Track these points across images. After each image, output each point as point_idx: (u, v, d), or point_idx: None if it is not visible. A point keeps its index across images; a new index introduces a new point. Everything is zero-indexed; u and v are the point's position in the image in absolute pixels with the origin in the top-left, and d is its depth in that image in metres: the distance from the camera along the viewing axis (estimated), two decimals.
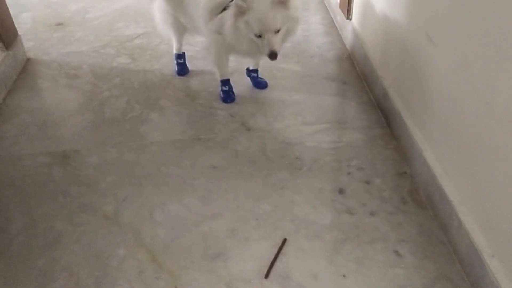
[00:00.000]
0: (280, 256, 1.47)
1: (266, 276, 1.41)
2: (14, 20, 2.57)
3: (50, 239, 1.56)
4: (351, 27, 2.54)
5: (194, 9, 2.06)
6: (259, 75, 2.36)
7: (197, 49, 2.66)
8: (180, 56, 2.46)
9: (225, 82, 2.23)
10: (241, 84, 2.33)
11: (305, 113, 2.13)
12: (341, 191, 1.70)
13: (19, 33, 2.62)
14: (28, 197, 1.74)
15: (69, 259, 1.49)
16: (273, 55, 1.81)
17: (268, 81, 2.35)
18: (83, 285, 1.41)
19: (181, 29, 2.34)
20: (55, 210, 1.67)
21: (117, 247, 1.53)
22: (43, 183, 1.80)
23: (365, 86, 2.29)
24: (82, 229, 1.60)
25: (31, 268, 1.47)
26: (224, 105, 2.21)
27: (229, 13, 1.87)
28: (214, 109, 2.19)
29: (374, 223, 1.57)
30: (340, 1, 2.74)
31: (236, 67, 2.40)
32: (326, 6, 3.15)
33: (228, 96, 2.24)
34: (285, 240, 1.52)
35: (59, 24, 3.08)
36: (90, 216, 1.65)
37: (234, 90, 2.26)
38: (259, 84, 2.34)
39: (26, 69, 2.58)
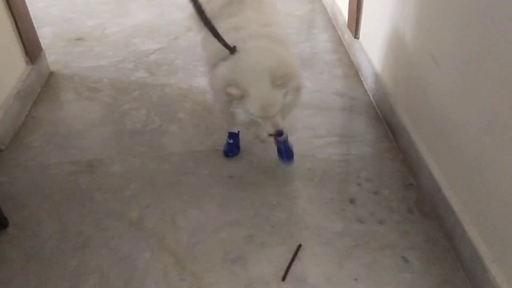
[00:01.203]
0: (295, 261, 1.57)
1: (283, 279, 1.51)
2: None
3: (80, 243, 1.67)
4: (359, 45, 2.66)
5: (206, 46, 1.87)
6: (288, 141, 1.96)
7: None
8: None
9: (232, 135, 2.03)
10: None
11: (316, 127, 2.24)
12: (351, 201, 1.81)
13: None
14: (57, 203, 1.85)
15: (98, 261, 1.60)
16: (280, 134, 1.62)
17: None
18: (113, 286, 1.51)
19: None
20: (83, 215, 1.79)
21: (143, 251, 1.63)
22: (70, 190, 1.91)
23: (373, 101, 2.41)
24: (109, 233, 1.71)
25: (64, 269, 1.58)
26: None
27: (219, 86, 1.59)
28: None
29: (383, 231, 1.68)
30: (348, 20, 2.88)
31: None
32: (334, 24, 3.28)
33: (230, 149, 2.04)
34: (299, 245, 1.62)
35: (79, 39, 3.23)
36: (116, 221, 1.76)
37: (241, 143, 2.06)
38: (284, 153, 1.96)
39: (49, 82, 2.71)
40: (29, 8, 2.62)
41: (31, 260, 1.61)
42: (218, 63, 1.63)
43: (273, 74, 1.51)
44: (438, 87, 1.69)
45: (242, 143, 2.12)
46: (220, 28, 1.63)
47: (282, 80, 1.53)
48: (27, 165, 2.06)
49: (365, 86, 2.56)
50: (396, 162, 2.01)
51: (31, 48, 2.55)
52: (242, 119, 1.62)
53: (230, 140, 2.05)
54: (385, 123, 2.25)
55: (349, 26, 2.85)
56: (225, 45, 1.59)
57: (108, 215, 1.79)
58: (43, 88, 2.64)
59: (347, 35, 2.93)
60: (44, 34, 3.26)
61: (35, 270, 1.58)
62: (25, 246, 1.66)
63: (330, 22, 3.34)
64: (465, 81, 1.48)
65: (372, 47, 2.49)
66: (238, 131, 2.05)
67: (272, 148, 2.12)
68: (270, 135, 1.65)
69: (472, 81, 1.43)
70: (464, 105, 1.50)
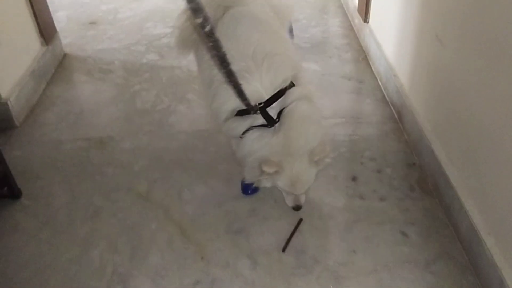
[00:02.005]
0: (296, 234, 1.62)
1: (284, 250, 1.56)
2: None
3: (90, 212, 1.74)
4: (368, 29, 2.68)
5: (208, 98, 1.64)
6: None
7: None
8: None
9: None
10: None
11: (323, 108, 2.26)
12: (354, 179, 1.85)
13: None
14: (69, 176, 1.92)
15: (107, 229, 1.66)
16: (297, 209, 1.57)
17: None
18: (120, 252, 1.58)
19: None
20: (94, 188, 1.85)
21: (150, 221, 1.69)
22: (82, 164, 1.98)
23: (380, 84, 2.43)
24: (118, 205, 1.77)
25: (74, 236, 1.64)
26: None
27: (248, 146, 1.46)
28: None
29: (383, 207, 1.71)
30: (358, 5, 2.89)
31: None
32: (344, 9, 3.29)
33: (249, 185, 1.74)
34: (301, 219, 1.67)
35: (92, 23, 3.29)
36: (125, 194, 1.82)
37: None
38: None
39: (63, 64, 2.78)
40: None
41: (43, 228, 1.68)
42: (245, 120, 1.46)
43: (312, 151, 1.41)
44: (443, 67, 1.71)
45: None
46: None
47: (321, 156, 1.43)
48: (40, 141, 2.13)
49: (373, 69, 2.57)
50: (400, 142, 2.03)
51: (46, 29, 2.61)
52: (266, 186, 1.52)
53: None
54: (391, 105, 2.27)
55: (359, 10, 2.86)
56: (267, 119, 1.43)
57: (117, 188, 1.85)
58: (57, 68, 2.71)
59: (357, 20, 2.94)
60: (59, 18, 3.33)
61: (47, 237, 1.65)
62: (37, 215, 1.74)
63: (342, 8, 3.35)
64: (469, 60, 1.49)
65: (381, 31, 2.51)
66: None
67: None
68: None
69: (476, 59, 1.44)
70: (467, 84, 1.52)
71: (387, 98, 2.32)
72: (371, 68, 2.59)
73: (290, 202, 1.57)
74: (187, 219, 1.70)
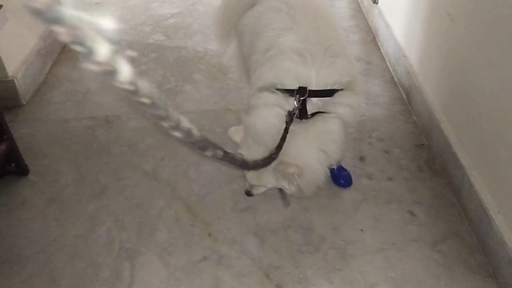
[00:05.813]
0: (303, 211, 1.61)
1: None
2: None
3: (97, 190, 1.74)
4: (377, 10, 2.64)
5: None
6: (341, 166, 1.73)
7: None
8: None
9: None
10: None
11: None
12: (361, 159, 1.83)
13: None
14: (75, 154, 1.92)
15: (114, 207, 1.67)
16: (247, 194, 1.50)
17: None
18: (127, 228, 1.58)
19: None
20: (100, 166, 1.85)
21: (156, 199, 1.69)
22: (88, 142, 1.98)
23: (389, 66, 2.40)
24: (124, 182, 1.77)
25: (81, 213, 1.65)
26: None
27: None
28: (244, 83, 2.33)
29: (391, 187, 1.70)
30: None
31: None
32: None
33: None
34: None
35: (98, 3, 3.26)
36: (132, 172, 1.82)
37: None
38: (340, 178, 1.72)
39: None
40: None
41: (50, 204, 1.69)
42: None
43: (281, 161, 1.27)
44: (454, 46, 1.68)
45: None
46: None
47: (280, 170, 1.29)
48: (47, 119, 2.12)
49: (381, 51, 2.54)
50: (408, 123, 2.01)
51: None
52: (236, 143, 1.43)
53: None
54: (400, 86, 2.24)
55: None
56: (302, 109, 1.31)
57: (124, 166, 1.85)
58: (63, 48, 2.69)
59: (366, 1, 2.89)
60: None
61: (54, 213, 1.65)
62: (44, 192, 1.74)
63: None
64: (479, 36, 1.47)
65: (391, 11, 2.47)
66: None
67: None
68: None
69: (486, 35, 1.42)
70: (478, 63, 1.49)
71: (396, 79, 2.29)
72: (379, 49, 2.56)
73: (247, 184, 1.47)
74: (194, 197, 1.69)
